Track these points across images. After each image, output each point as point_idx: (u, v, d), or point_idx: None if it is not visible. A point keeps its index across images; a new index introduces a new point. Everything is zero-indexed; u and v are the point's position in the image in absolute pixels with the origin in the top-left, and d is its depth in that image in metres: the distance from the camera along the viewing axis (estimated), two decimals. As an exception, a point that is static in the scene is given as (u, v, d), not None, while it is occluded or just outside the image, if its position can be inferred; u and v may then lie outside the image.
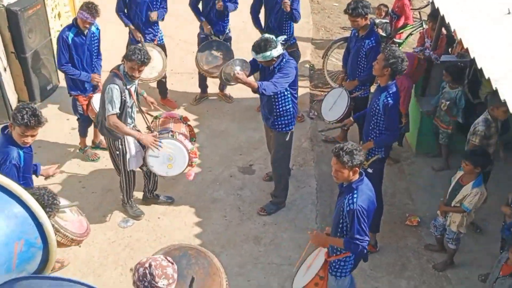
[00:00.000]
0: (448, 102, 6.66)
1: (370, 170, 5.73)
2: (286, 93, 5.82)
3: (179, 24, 9.84)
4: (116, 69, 5.57)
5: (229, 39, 7.93)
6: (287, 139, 6.16)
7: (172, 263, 3.20)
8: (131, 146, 5.74)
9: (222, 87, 8.41)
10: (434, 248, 6.03)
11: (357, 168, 4.31)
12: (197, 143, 6.70)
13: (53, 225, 4.21)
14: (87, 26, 6.39)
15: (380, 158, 5.70)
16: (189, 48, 9.13)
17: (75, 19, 6.46)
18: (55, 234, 4.23)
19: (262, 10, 7.59)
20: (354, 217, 4.32)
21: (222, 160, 7.18)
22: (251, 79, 5.87)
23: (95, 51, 6.70)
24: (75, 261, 5.64)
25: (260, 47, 5.51)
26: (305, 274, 4.81)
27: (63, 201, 4.51)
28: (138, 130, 5.84)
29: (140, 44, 7.05)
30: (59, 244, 4.28)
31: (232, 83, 6.00)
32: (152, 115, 6.13)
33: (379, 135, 5.57)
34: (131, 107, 5.71)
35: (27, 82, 7.93)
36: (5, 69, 7.57)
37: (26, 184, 4.65)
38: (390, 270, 5.83)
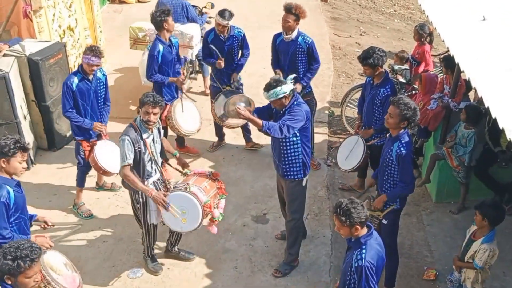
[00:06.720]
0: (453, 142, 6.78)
1: (385, 222, 5.59)
2: (295, 139, 5.66)
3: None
4: (133, 121, 5.57)
5: (240, 85, 7.92)
6: (298, 188, 5.92)
7: None
8: (151, 200, 5.58)
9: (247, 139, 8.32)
10: (452, 304, 5.75)
11: (358, 226, 4.15)
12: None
13: (45, 277, 4.16)
14: (94, 69, 6.40)
15: (395, 209, 5.56)
16: (207, 96, 9.17)
17: (80, 66, 6.48)
18: (45, 287, 4.19)
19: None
20: (362, 274, 4.17)
21: (235, 209, 7.06)
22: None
23: (101, 97, 6.70)
24: (81, 312, 5.52)
25: (270, 85, 5.50)
26: None
27: (59, 256, 4.44)
28: (164, 181, 5.81)
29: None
30: None
31: (234, 126, 5.82)
32: (182, 172, 5.94)
33: (393, 186, 5.43)
34: (150, 160, 5.61)
35: (47, 130, 8.08)
36: (25, 117, 7.70)
37: (19, 225, 4.60)
38: (406, 327, 5.59)
